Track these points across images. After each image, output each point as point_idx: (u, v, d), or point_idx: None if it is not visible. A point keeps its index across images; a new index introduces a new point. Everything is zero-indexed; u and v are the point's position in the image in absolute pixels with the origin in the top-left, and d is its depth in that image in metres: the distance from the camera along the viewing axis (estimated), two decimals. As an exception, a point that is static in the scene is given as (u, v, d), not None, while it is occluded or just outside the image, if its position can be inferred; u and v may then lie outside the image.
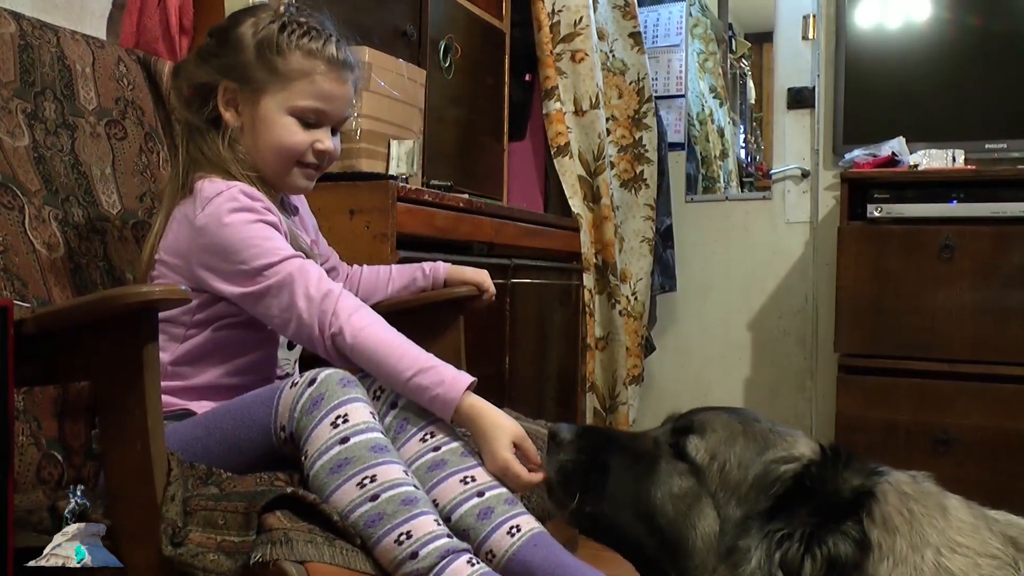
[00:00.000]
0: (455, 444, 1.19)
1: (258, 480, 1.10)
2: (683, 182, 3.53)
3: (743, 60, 4.08)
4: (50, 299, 1.28)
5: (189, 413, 1.25)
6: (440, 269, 1.59)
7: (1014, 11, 2.93)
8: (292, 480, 1.12)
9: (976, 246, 2.58)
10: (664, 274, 3.24)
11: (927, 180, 2.71)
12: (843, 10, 3.16)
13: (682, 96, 3.55)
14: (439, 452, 1.17)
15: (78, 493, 1.05)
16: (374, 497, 1.03)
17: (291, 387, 1.12)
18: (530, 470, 1.18)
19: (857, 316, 2.70)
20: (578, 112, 2.76)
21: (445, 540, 1.03)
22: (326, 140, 1.34)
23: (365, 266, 1.62)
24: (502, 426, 1.17)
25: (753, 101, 4.14)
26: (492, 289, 1.61)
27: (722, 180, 3.80)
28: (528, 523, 1.14)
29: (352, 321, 1.18)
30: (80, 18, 1.73)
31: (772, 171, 3.43)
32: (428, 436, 1.19)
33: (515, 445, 1.18)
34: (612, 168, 2.93)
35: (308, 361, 1.35)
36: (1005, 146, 2.91)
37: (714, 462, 0.99)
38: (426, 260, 1.62)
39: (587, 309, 2.68)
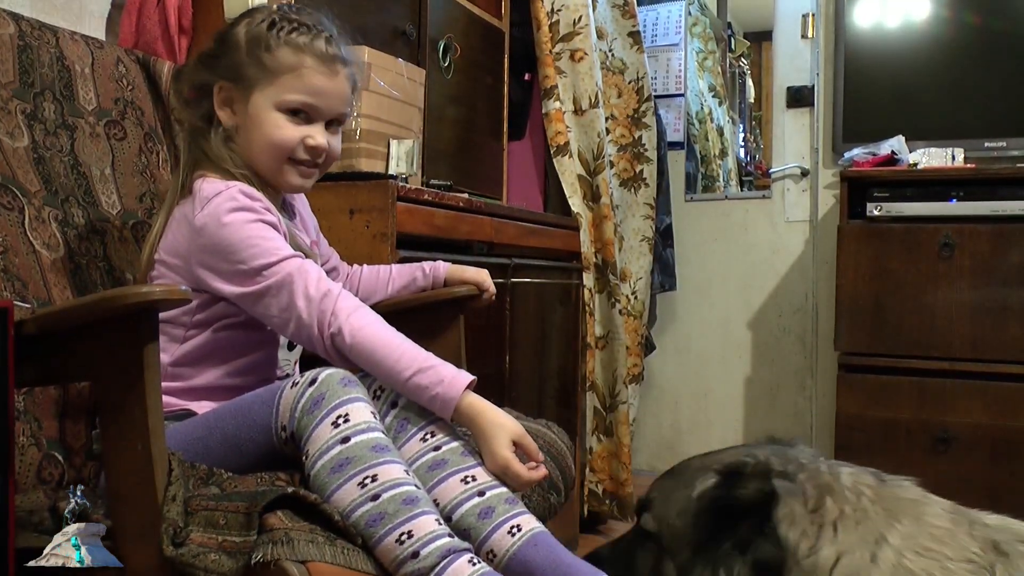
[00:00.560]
0: (456, 444, 1.19)
1: (259, 480, 1.10)
2: (683, 181, 3.53)
3: (742, 59, 4.08)
4: (50, 300, 1.28)
5: (190, 413, 1.26)
6: (440, 268, 1.60)
7: (1013, 10, 2.94)
8: (293, 480, 1.12)
9: (976, 244, 2.58)
10: (664, 273, 3.24)
11: (927, 178, 2.71)
12: (842, 9, 3.16)
13: (681, 95, 3.55)
14: (440, 452, 1.18)
15: (78, 493, 1.05)
16: (375, 497, 1.03)
17: (292, 387, 1.12)
18: (530, 468, 1.18)
19: (857, 315, 2.70)
20: (577, 111, 2.76)
21: (446, 540, 1.03)
22: (318, 136, 1.33)
23: (365, 266, 1.62)
24: (502, 424, 1.17)
25: (752, 100, 4.14)
26: (492, 288, 1.61)
27: (722, 179, 3.81)
28: (529, 523, 1.14)
29: (351, 321, 1.18)
30: (79, 18, 1.73)
31: (771, 170, 3.43)
32: (429, 436, 1.19)
33: (515, 443, 1.18)
34: (612, 167, 2.93)
35: (308, 361, 1.35)
36: (1004, 144, 2.91)
37: (663, 524, 1.07)
38: (426, 260, 1.62)
39: (587, 308, 2.68)
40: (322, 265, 1.51)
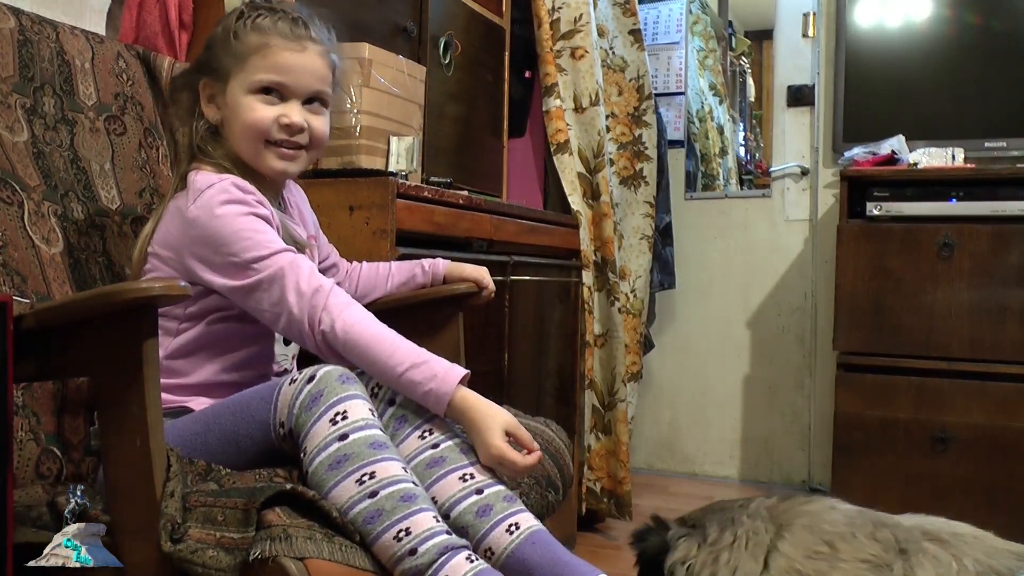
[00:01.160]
0: (453, 441, 1.19)
1: (257, 476, 1.10)
2: (683, 179, 3.53)
3: (743, 57, 4.07)
4: (49, 295, 1.28)
5: (187, 410, 1.25)
6: (439, 266, 1.60)
7: (1014, 9, 2.94)
8: (291, 476, 1.12)
9: (975, 244, 2.58)
10: (663, 271, 3.24)
11: (926, 178, 2.71)
12: (843, 8, 3.16)
13: (682, 93, 3.55)
14: (438, 449, 1.18)
15: (78, 493, 1.04)
16: (373, 494, 1.03)
17: (290, 383, 1.11)
18: (524, 455, 1.18)
19: (856, 314, 2.70)
20: (578, 109, 2.76)
21: (444, 537, 1.03)
22: (293, 114, 1.32)
23: (365, 263, 1.62)
24: (493, 415, 1.17)
25: (753, 99, 4.14)
26: (491, 286, 1.61)
27: (721, 178, 3.80)
28: (527, 521, 1.14)
29: (343, 317, 1.18)
30: (79, 13, 1.73)
31: (772, 169, 3.43)
32: (426, 433, 1.19)
33: (508, 433, 1.18)
34: (612, 165, 2.93)
35: (307, 357, 1.35)
36: (1004, 144, 2.91)
37: None
38: (425, 257, 1.62)
39: (586, 306, 2.68)
40: (321, 261, 1.52)
